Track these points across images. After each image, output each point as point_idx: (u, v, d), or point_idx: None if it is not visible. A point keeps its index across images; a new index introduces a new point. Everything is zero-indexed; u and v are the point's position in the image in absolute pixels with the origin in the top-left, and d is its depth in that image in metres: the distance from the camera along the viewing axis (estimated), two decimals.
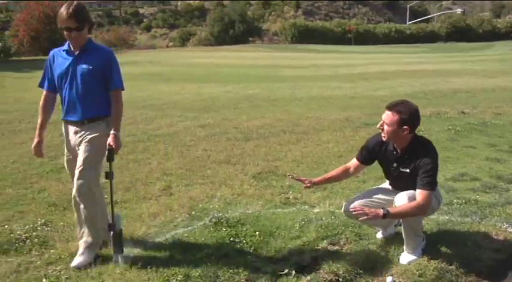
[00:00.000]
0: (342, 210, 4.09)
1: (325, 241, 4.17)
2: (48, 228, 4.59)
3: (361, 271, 3.68)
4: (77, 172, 3.86)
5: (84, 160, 3.85)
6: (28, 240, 4.33)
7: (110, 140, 3.80)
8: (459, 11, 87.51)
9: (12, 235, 4.45)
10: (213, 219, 4.68)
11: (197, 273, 3.65)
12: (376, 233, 4.28)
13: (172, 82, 19.71)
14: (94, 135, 3.89)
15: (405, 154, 3.82)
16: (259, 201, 5.28)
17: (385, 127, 3.75)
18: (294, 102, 13.28)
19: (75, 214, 4.06)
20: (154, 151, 7.74)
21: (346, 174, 4.21)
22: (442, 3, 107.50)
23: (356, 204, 3.90)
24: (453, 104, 12.04)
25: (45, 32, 35.49)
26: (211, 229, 4.47)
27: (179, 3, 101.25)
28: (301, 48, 56.64)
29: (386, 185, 4.19)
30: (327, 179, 4.25)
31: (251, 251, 4.07)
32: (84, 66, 3.86)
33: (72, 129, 3.98)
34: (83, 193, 3.87)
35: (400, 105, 3.74)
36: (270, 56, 41.60)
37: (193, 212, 4.96)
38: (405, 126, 3.69)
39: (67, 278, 3.68)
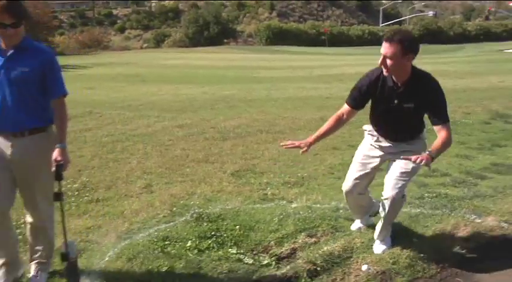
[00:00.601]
0: (343, 190, 4.15)
1: (303, 233, 4.33)
2: None
3: (338, 260, 3.86)
4: (34, 203, 3.49)
5: (40, 190, 3.45)
6: None
7: (56, 155, 3.29)
8: (431, 13, 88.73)
9: None
10: (194, 215, 4.81)
11: (181, 265, 3.79)
12: (351, 225, 4.47)
13: (148, 83, 19.75)
14: (39, 159, 3.37)
15: (407, 87, 3.66)
16: (238, 197, 5.42)
17: (388, 61, 3.55)
18: (270, 103, 13.45)
19: (30, 239, 3.67)
20: (133, 151, 7.82)
21: (339, 122, 3.97)
22: (414, 6, 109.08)
23: (353, 181, 4.05)
24: None
25: None
26: (193, 224, 4.60)
27: (153, 4, 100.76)
28: (276, 49, 56.99)
29: (367, 145, 4.10)
30: (322, 134, 4.00)
31: (232, 243, 4.20)
32: (18, 68, 3.27)
33: (4, 142, 3.36)
34: (44, 220, 3.57)
35: (399, 33, 3.54)
36: (245, 57, 41.80)
37: (174, 209, 5.07)
38: (410, 54, 3.54)
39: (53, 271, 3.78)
